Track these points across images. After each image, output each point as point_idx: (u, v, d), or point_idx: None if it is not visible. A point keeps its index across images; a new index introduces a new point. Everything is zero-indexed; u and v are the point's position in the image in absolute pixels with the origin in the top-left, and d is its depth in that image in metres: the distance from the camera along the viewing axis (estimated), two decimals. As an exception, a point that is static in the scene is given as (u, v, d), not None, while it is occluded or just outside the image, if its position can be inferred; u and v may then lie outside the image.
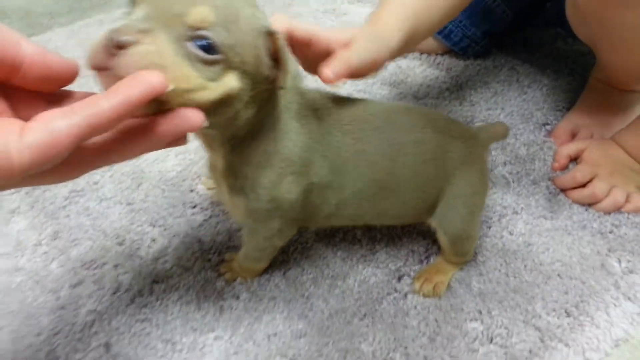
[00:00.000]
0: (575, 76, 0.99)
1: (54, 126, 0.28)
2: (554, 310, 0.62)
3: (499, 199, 0.76)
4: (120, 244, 0.70)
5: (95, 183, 0.81)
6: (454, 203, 0.60)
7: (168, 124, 0.33)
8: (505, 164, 0.81)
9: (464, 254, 0.65)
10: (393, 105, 0.62)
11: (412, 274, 0.67)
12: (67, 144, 0.28)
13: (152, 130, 0.33)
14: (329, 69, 0.51)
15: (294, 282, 0.65)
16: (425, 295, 0.64)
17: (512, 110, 0.91)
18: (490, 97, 0.95)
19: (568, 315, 0.62)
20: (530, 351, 0.58)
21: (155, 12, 0.35)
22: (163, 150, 0.85)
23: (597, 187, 0.73)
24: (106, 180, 0.81)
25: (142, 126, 0.33)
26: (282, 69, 0.41)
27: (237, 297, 0.64)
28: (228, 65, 0.38)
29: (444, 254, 0.65)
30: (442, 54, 1.06)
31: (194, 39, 0.35)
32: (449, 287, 0.65)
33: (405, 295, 0.65)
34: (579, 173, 0.75)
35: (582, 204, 0.75)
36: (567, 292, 0.64)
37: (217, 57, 0.36)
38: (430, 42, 1.05)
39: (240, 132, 0.47)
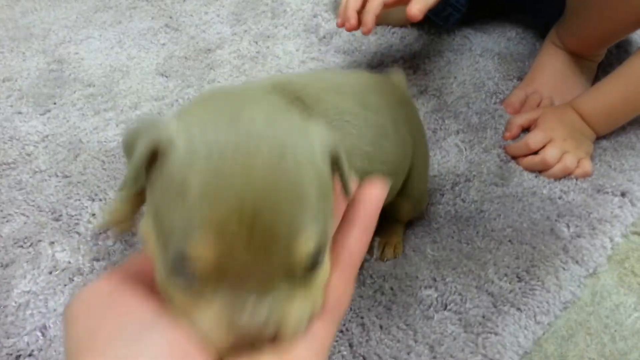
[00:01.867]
0: (526, 45, 0.99)
1: (333, 288, 0.28)
2: (505, 275, 0.63)
3: (452, 167, 0.76)
4: (57, 219, 0.65)
5: (29, 154, 0.75)
6: (417, 166, 0.59)
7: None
8: (458, 132, 0.81)
9: (422, 209, 0.66)
10: (359, 83, 0.56)
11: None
12: (348, 294, 0.28)
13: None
14: (416, 7, 0.70)
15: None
16: (388, 259, 0.64)
17: (465, 79, 0.91)
18: (443, 66, 0.94)
19: (519, 279, 0.62)
20: (483, 316, 0.59)
21: (246, 276, 0.25)
22: (103, 118, 0.80)
23: (549, 154, 0.74)
24: (40, 152, 0.75)
25: None
26: (342, 180, 0.31)
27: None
28: None
29: (397, 215, 0.65)
30: (414, 25, 1.02)
31: (303, 269, 0.27)
32: (404, 255, 0.65)
33: (362, 263, 0.64)
34: (531, 140, 0.76)
35: (533, 171, 0.76)
36: (518, 257, 0.65)
37: (322, 259, 0.28)
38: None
39: None
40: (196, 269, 0.24)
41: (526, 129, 0.81)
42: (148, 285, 0.26)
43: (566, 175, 0.75)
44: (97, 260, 0.61)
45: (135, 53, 0.94)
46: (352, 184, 0.30)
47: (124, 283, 0.26)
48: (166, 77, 0.89)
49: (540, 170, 0.75)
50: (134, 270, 0.27)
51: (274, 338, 0.25)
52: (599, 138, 0.80)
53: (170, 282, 0.25)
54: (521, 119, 0.81)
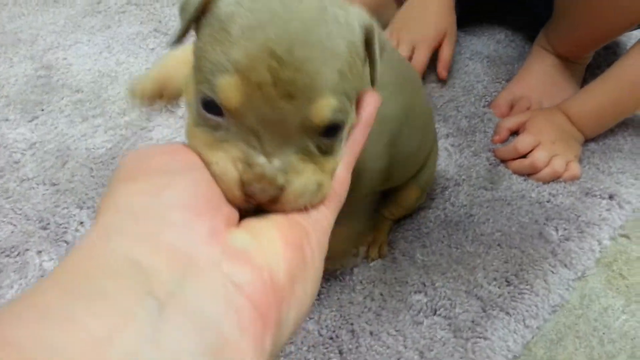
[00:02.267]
0: (515, 47, 1.00)
1: (337, 174, 0.30)
2: (495, 279, 0.63)
3: (441, 171, 0.76)
4: (44, 228, 0.65)
5: (16, 162, 0.74)
6: (434, 151, 0.63)
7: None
8: (447, 136, 0.81)
9: (424, 200, 0.69)
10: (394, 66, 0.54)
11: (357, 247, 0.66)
12: (348, 182, 0.31)
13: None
14: (445, 71, 0.88)
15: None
16: (373, 259, 0.65)
17: (454, 82, 0.91)
18: (432, 69, 0.94)
19: (508, 283, 0.63)
20: (472, 321, 0.59)
21: (265, 129, 0.26)
22: (91, 125, 0.80)
23: (537, 157, 0.75)
24: (27, 159, 0.74)
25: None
26: (372, 66, 0.32)
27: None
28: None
29: (389, 210, 0.66)
30: None
31: (320, 135, 0.28)
32: (393, 259, 0.65)
33: (352, 269, 0.64)
34: (519, 144, 0.76)
35: (522, 174, 0.76)
36: (507, 261, 0.65)
37: (341, 132, 0.29)
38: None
39: None
40: (222, 108, 0.26)
41: (515, 133, 0.82)
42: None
43: (555, 178, 0.75)
44: (85, 269, 0.61)
45: (124, 58, 0.93)
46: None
47: (166, 146, 0.28)
48: (155, 82, 0.88)
49: (529, 173, 0.76)
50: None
51: (276, 198, 0.27)
52: (587, 141, 0.80)
53: (198, 130, 0.27)
54: (510, 123, 0.81)
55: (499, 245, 0.67)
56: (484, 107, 0.87)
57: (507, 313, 0.60)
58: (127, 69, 0.91)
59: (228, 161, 0.26)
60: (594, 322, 0.62)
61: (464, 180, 0.75)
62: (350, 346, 0.57)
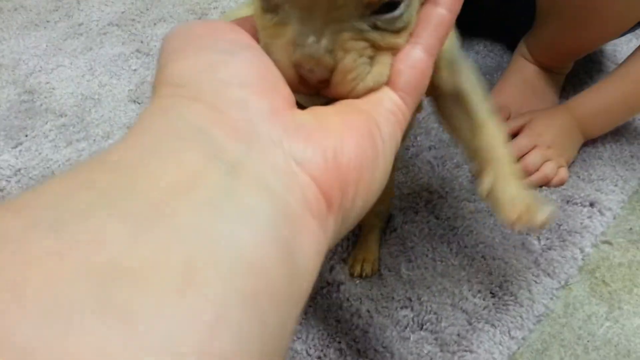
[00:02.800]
0: (494, 58, 1.01)
1: (414, 59, 0.27)
2: (479, 291, 0.64)
3: (425, 184, 0.77)
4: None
5: (1, 190, 0.74)
6: None
7: None
8: (430, 148, 0.82)
9: None
10: None
11: (341, 263, 0.66)
12: (430, 71, 0.27)
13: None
14: None
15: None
16: (367, 276, 0.65)
17: (435, 94, 0.92)
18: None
19: (493, 295, 0.63)
20: (458, 334, 0.60)
21: (313, 6, 0.26)
22: (75, 149, 0.80)
23: (529, 161, 0.75)
24: (13, 186, 0.75)
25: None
26: None
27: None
28: None
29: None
30: None
31: (375, 13, 0.27)
32: (379, 275, 0.66)
33: (338, 286, 0.64)
34: (516, 146, 0.77)
35: None
36: (491, 273, 0.66)
37: (402, 9, 0.28)
38: None
39: None
40: None
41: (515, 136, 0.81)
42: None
43: (544, 183, 0.76)
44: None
45: (106, 80, 0.94)
46: None
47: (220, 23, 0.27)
48: (138, 103, 0.89)
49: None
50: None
51: (327, 79, 0.26)
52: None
53: (263, 16, 0.28)
54: (509, 127, 0.82)
55: (482, 257, 0.67)
56: (465, 118, 0.88)
57: (493, 325, 0.61)
58: (110, 91, 0.91)
59: (282, 45, 0.27)
60: (578, 330, 0.63)
61: (447, 192, 0.76)
62: (338, 365, 0.57)
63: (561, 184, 0.77)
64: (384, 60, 0.27)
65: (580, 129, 0.79)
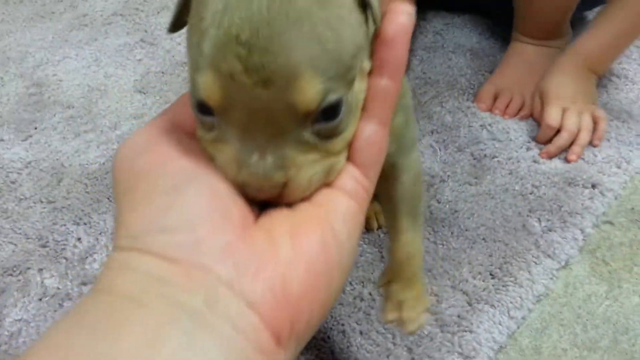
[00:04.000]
0: (497, 39, 1.01)
1: (369, 135, 0.27)
2: (479, 273, 0.65)
3: (426, 168, 0.78)
4: (44, 245, 0.67)
5: (13, 182, 0.76)
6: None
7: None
8: (432, 132, 0.83)
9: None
10: None
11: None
12: (386, 143, 0.28)
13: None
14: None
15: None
16: (380, 227, 0.69)
17: (438, 78, 0.92)
18: (417, 65, 0.96)
19: (493, 277, 0.65)
20: (459, 315, 0.61)
21: (252, 123, 0.24)
22: (83, 140, 0.81)
23: (568, 125, 0.78)
24: (24, 179, 0.77)
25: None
26: (368, 8, 0.27)
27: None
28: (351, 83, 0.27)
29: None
30: None
31: (316, 121, 0.25)
32: (381, 259, 0.67)
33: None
34: (549, 120, 0.79)
35: (566, 149, 0.79)
36: (491, 255, 0.67)
37: (342, 111, 0.25)
38: None
39: None
40: (209, 107, 0.24)
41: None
42: (189, 133, 0.27)
43: (590, 139, 0.79)
44: (85, 284, 0.63)
45: (112, 71, 0.95)
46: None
47: (164, 133, 0.27)
48: (144, 93, 0.90)
49: (570, 144, 0.78)
50: (173, 119, 0.28)
51: (279, 194, 0.25)
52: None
53: (200, 130, 0.26)
54: (510, 109, 0.85)
55: (483, 239, 0.69)
56: (467, 101, 0.89)
57: (492, 306, 0.62)
58: (116, 82, 0.93)
59: (226, 162, 0.25)
60: (577, 309, 0.64)
61: (449, 176, 0.77)
62: (341, 346, 0.59)
63: (604, 128, 0.79)
64: (340, 163, 0.27)
65: (592, 69, 0.82)
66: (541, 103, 0.82)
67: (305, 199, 0.26)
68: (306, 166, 0.25)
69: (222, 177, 0.25)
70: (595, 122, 0.80)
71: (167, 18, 1.06)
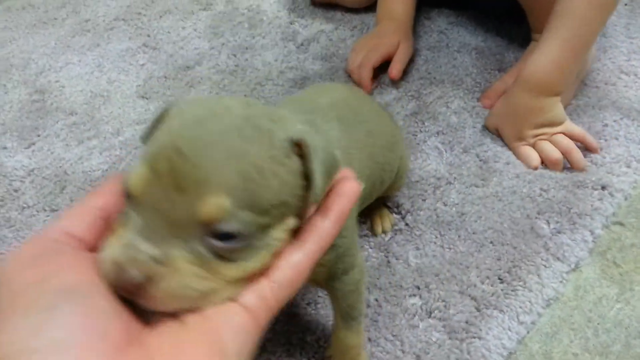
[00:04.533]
0: (504, 37, 0.99)
1: (294, 261, 0.29)
2: (487, 278, 0.64)
3: (432, 170, 0.77)
4: (47, 255, 0.67)
5: (16, 190, 0.76)
6: (405, 155, 0.67)
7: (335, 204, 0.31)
8: (437, 134, 0.82)
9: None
10: (344, 100, 0.57)
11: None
12: (307, 272, 0.29)
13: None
14: (396, 70, 0.89)
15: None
16: (385, 231, 0.70)
17: (443, 78, 0.91)
18: (421, 65, 0.94)
19: (501, 281, 0.64)
20: (467, 321, 0.60)
21: (158, 219, 0.26)
22: (86, 147, 0.81)
23: (548, 152, 0.77)
24: (27, 187, 0.76)
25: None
26: (311, 183, 0.30)
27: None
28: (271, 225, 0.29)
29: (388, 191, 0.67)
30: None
31: (213, 237, 0.27)
32: (387, 264, 0.66)
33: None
34: (548, 152, 0.77)
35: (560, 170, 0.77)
36: (499, 259, 0.66)
37: (245, 243, 0.27)
38: None
39: None
40: (130, 194, 0.27)
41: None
42: (82, 241, 0.28)
43: (573, 148, 0.76)
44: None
45: (115, 76, 0.95)
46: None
47: (51, 246, 0.27)
48: (147, 99, 0.90)
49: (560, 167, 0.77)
50: (65, 228, 0.28)
51: (142, 288, 0.25)
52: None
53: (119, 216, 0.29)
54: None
55: (491, 242, 0.67)
56: (472, 100, 0.87)
57: (501, 311, 0.61)
58: (119, 88, 0.92)
59: (114, 243, 0.26)
60: (588, 312, 0.63)
61: (455, 178, 0.75)
62: (348, 354, 0.58)
63: (589, 138, 0.77)
64: (227, 291, 0.27)
65: (545, 94, 0.76)
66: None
67: (192, 310, 0.26)
68: (184, 275, 0.26)
69: (105, 292, 0.25)
70: (573, 138, 0.77)
71: (169, 22, 1.06)
